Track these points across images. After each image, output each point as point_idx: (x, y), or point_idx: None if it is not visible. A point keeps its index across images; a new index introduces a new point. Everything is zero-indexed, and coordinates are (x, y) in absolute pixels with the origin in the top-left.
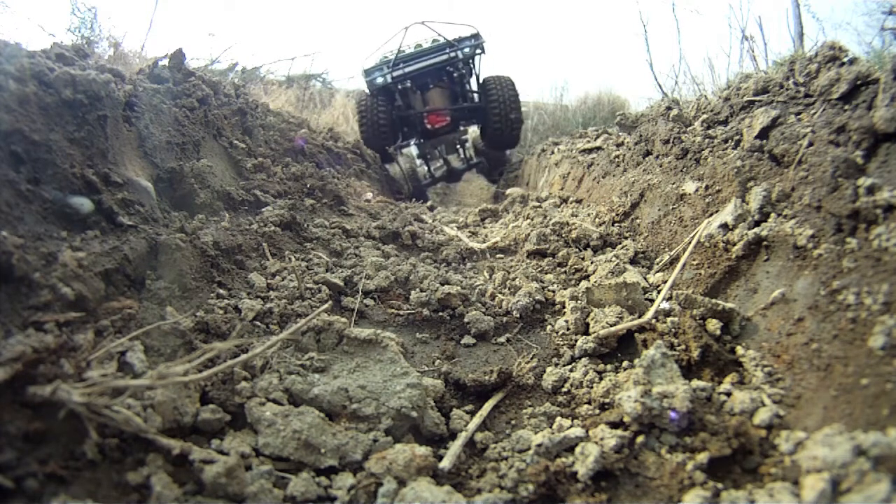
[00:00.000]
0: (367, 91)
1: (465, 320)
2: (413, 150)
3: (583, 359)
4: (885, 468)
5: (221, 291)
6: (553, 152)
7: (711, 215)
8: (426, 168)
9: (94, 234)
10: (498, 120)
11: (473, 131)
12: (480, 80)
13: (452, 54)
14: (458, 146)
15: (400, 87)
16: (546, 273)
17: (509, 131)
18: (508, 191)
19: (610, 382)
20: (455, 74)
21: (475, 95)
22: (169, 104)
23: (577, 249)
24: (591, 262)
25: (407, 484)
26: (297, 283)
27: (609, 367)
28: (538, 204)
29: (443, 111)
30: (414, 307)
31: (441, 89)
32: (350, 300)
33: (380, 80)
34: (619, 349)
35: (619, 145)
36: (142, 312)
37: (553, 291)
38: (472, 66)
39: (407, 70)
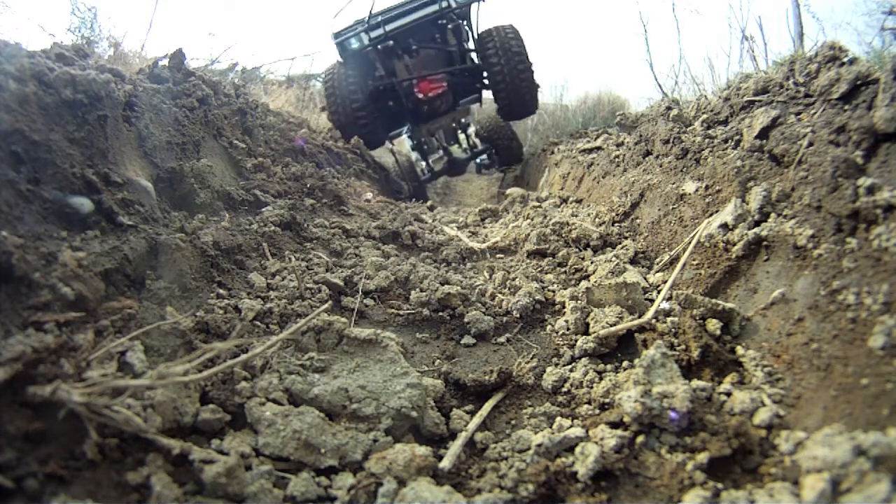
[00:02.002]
0: (339, 61)
1: (465, 320)
2: (406, 141)
3: (583, 359)
4: (885, 468)
5: (221, 291)
6: (553, 152)
7: (711, 215)
8: (423, 162)
9: (94, 234)
10: (500, 76)
11: (486, 117)
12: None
13: (444, 4)
14: (460, 131)
15: (381, 47)
16: (546, 273)
17: (517, 91)
18: (508, 191)
19: (610, 382)
20: (450, 26)
21: (474, 56)
22: (169, 104)
23: (577, 249)
24: (591, 262)
25: (407, 484)
26: (297, 283)
27: (609, 367)
28: (538, 204)
29: (436, 76)
30: (414, 307)
31: (432, 51)
32: (350, 300)
33: (355, 43)
34: (619, 349)
35: (619, 145)
36: (142, 312)
37: (553, 291)
38: (468, 20)
39: (389, 28)
